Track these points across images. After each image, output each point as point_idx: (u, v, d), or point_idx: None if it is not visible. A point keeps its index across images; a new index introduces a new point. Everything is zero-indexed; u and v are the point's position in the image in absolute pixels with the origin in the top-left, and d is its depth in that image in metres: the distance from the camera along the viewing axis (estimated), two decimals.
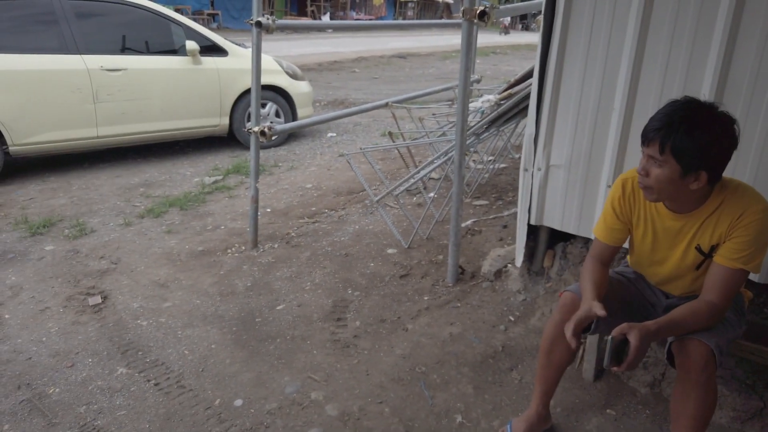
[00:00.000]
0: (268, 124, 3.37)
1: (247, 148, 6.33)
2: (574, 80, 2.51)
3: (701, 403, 1.69)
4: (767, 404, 2.08)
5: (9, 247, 3.78)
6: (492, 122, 3.53)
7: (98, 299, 3.09)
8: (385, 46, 20.72)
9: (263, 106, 6.38)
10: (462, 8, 2.66)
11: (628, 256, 2.09)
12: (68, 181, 5.29)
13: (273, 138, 6.22)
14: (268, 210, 4.43)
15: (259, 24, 3.18)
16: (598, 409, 2.24)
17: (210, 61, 5.96)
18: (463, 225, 3.82)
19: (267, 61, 6.47)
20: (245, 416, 2.21)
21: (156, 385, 2.41)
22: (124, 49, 5.57)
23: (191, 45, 5.74)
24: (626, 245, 2.01)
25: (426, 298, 3.01)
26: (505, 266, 3.05)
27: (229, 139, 6.40)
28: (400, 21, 24.32)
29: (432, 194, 4.05)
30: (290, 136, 6.87)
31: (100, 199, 4.78)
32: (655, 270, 1.95)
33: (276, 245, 3.70)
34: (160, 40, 5.78)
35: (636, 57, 2.33)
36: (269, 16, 3.22)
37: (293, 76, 6.61)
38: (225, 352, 2.61)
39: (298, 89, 6.59)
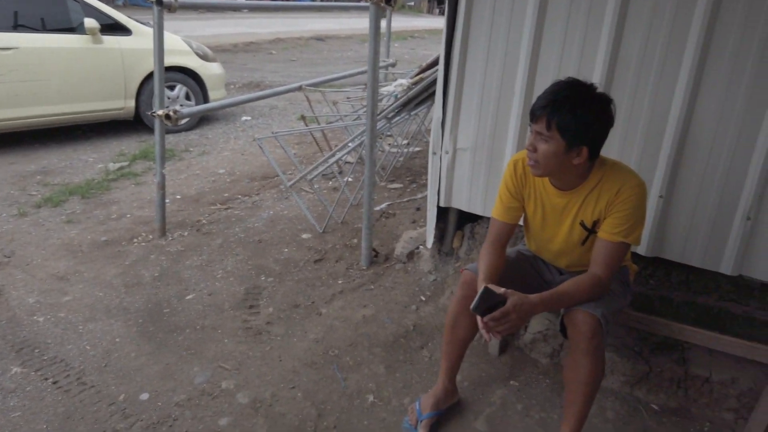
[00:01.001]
0: (173, 107, 3.23)
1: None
2: (477, 65, 2.57)
3: (591, 369, 1.80)
4: (653, 368, 2.25)
5: None
6: (403, 106, 3.56)
7: None
8: (303, 27, 20.33)
9: (172, 88, 6.13)
10: None
11: (525, 237, 2.19)
12: None
13: (182, 122, 6.00)
14: (178, 197, 4.27)
15: (159, 2, 3.04)
16: (502, 381, 2.35)
17: (112, 41, 5.63)
18: (377, 208, 3.85)
19: (175, 41, 6.21)
20: (152, 410, 2.15)
21: (54, 383, 2.29)
22: (16, 26, 5.16)
23: (90, 23, 5.40)
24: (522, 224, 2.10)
25: (340, 281, 3.02)
26: (417, 248, 3.12)
27: (135, 123, 6.11)
28: (314, 2, 23.87)
29: (347, 178, 4.05)
30: (202, 120, 6.64)
31: None
32: (547, 246, 2.06)
33: (186, 233, 3.59)
34: (55, 16, 5.40)
35: (534, 42, 2.41)
36: None
37: (204, 57, 6.37)
38: (130, 346, 2.52)
39: (209, 71, 6.37)
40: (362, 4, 3.29)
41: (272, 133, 3.53)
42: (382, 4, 2.65)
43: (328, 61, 13.18)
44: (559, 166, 1.78)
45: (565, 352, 2.43)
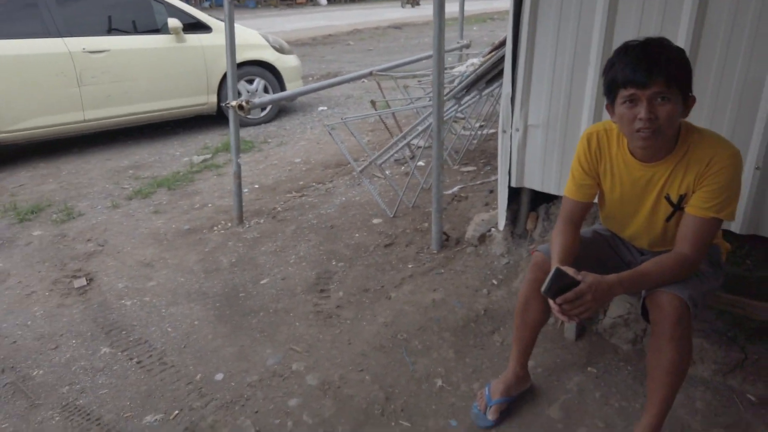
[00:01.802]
0: (245, 98, 3.31)
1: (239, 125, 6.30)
2: (548, 36, 2.44)
3: (676, 356, 1.66)
4: (748, 356, 2.06)
5: None
6: (472, 85, 3.46)
7: (83, 281, 3.09)
8: (380, 17, 20.41)
9: (251, 82, 6.31)
10: None
11: (600, 216, 2.05)
12: (58, 166, 5.27)
13: (261, 115, 6.16)
14: (256, 186, 4.40)
15: None
16: (579, 367, 2.23)
17: (194, 38, 5.88)
18: (449, 192, 3.78)
19: (253, 36, 6.39)
20: (226, 389, 2.22)
21: (138, 363, 2.41)
22: (106, 30, 5.50)
23: (173, 22, 5.66)
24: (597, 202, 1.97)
25: (410, 265, 2.99)
26: (489, 230, 3.02)
27: (218, 117, 6.34)
28: None
29: (417, 162, 4.00)
30: (281, 112, 6.80)
31: (89, 183, 4.77)
32: (627, 224, 1.92)
33: (262, 220, 3.68)
34: (142, 19, 5.70)
35: (610, 7, 2.25)
36: None
37: (280, 50, 6.51)
38: (208, 328, 2.61)
39: (286, 63, 6.51)
40: None
41: (342, 119, 3.53)
42: None
43: (405, 49, 13.11)
44: (676, 128, 1.64)
45: (649, 338, 2.27)
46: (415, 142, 4.29)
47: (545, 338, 2.39)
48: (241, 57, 6.16)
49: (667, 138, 1.65)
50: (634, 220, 1.88)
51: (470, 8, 17.09)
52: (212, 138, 5.95)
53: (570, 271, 1.62)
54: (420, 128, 3.51)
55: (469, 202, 3.61)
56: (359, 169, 3.44)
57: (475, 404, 2.05)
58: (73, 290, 3.02)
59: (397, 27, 17.94)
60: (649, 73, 1.54)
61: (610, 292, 1.62)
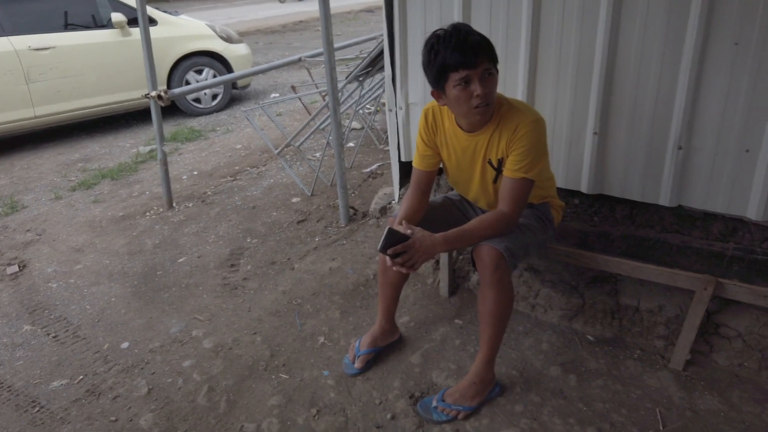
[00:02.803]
0: (163, 88, 3.49)
1: (189, 115, 6.48)
2: (416, 21, 2.63)
3: (497, 300, 1.89)
4: (586, 301, 2.30)
5: None
6: (368, 67, 3.65)
7: (15, 268, 3.29)
8: (355, 1, 20.40)
9: (200, 72, 6.47)
10: None
11: (449, 182, 2.27)
12: (11, 162, 5.44)
13: (212, 104, 6.26)
14: (195, 173, 4.60)
15: None
16: (447, 320, 2.46)
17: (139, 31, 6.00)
18: (367, 169, 3.99)
19: (199, 26, 6.54)
20: (129, 356, 2.44)
21: (54, 337, 2.63)
22: (51, 28, 5.62)
23: (117, 17, 5.80)
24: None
25: (317, 239, 3.21)
26: (390, 203, 3.24)
27: (172, 108, 6.50)
28: None
29: (348, 143, 4.20)
30: (233, 101, 6.97)
31: (39, 177, 4.95)
32: (468, 188, 2.14)
33: (191, 204, 3.89)
34: (86, 15, 5.83)
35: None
36: None
37: (228, 39, 6.66)
38: (122, 304, 2.83)
39: (235, 52, 6.66)
40: None
41: (259, 104, 3.73)
42: None
43: (373, 32, 13.21)
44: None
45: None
46: (346, 123, 4.50)
47: (423, 295, 2.63)
48: (188, 48, 6.33)
49: (493, 106, 1.88)
50: (472, 185, 2.11)
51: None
52: (164, 129, 6.11)
53: (401, 228, 1.84)
54: (327, 112, 3.70)
55: (383, 179, 3.84)
56: (276, 151, 3.64)
57: (347, 356, 2.29)
58: (6, 276, 3.23)
59: (370, 11, 17.96)
60: (475, 54, 1.75)
61: (435, 247, 1.84)
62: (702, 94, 2.07)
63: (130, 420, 2.09)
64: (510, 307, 1.94)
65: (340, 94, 3.84)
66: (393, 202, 3.22)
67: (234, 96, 7.06)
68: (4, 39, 5.36)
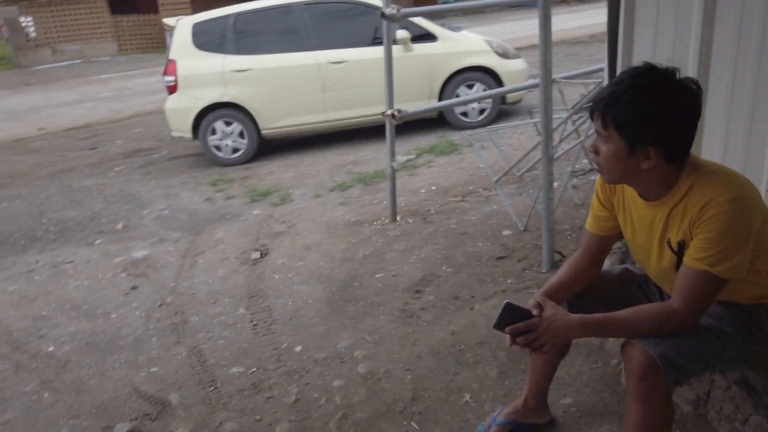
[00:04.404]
0: (398, 108, 3.65)
1: (457, 128, 6.64)
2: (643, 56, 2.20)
3: (641, 419, 1.48)
4: None
5: (230, 210, 4.87)
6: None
7: (258, 255, 3.84)
8: None
9: (471, 86, 6.57)
10: None
11: None
12: (302, 159, 6.36)
13: (479, 118, 6.36)
14: (433, 188, 4.70)
15: (382, 15, 3.48)
16: (619, 417, 2.01)
17: (420, 48, 6.39)
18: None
19: (476, 41, 6.65)
20: (297, 360, 2.63)
21: (255, 325, 2.99)
22: (346, 44, 6.36)
23: (401, 34, 6.24)
24: None
25: (510, 281, 2.96)
26: None
27: (439, 120, 6.77)
28: None
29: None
30: (502, 115, 6.89)
31: (315, 174, 5.68)
32: (646, 266, 1.72)
33: (411, 220, 3.98)
34: (375, 32, 6.43)
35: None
36: (395, 6, 3.50)
37: (504, 55, 6.61)
38: (315, 307, 3.06)
39: (508, 68, 6.57)
40: None
41: (486, 129, 3.60)
42: None
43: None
44: (626, 172, 1.50)
45: (712, 403, 1.92)
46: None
47: (600, 378, 2.21)
48: (462, 63, 6.49)
49: (617, 178, 1.54)
50: (650, 263, 1.68)
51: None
52: (428, 140, 6.41)
53: (533, 301, 1.58)
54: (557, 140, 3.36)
55: None
56: (495, 178, 3.47)
57: (482, 423, 2.06)
58: (249, 261, 3.78)
59: None
60: (595, 105, 1.44)
61: (567, 331, 1.54)
62: None
63: (270, 424, 2.25)
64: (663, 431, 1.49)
65: (564, 126, 3.48)
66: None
67: (503, 111, 6.98)
68: (310, 53, 6.25)
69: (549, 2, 2.53)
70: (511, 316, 1.55)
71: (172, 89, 6.23)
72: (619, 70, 2.32)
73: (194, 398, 2.46)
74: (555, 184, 3.90)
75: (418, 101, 6.49)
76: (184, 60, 6.20)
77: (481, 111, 6.64)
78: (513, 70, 6.61)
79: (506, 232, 3.52)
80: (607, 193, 1.71)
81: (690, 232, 1.45)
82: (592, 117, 1.51)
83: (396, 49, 6.25)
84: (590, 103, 1.55)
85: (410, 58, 6.36)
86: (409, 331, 2.72)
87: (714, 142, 2.08)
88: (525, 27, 16.30)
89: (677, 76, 1.42)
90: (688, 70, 2.08)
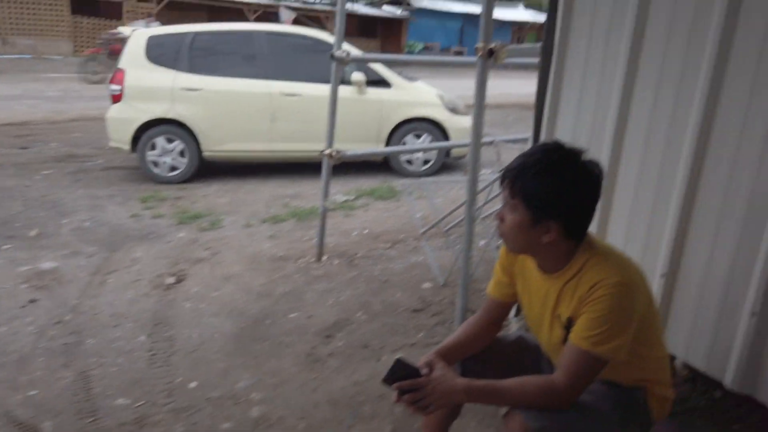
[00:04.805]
0: (336, 148, 3.64)
1: (400, 175, 6.70)
2: (566, 131, 2.27)
3: None
4: None
5: (155, 229, 4.69)
6: None
7: (173, 280, 3.69)
8: None
9: (419, 136, 6.67)
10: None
11: None
12: (241, 185, 6.25)
13: (424, 167, 6.40)
14: (366, 231, 4.68)
15: (332, 57, 3.51)
16: None
17: (374, 92, 6.47)
18: None
19: (428, 94, 6.80)
20: (188, 397, 2.50)
21: (152, 355, 2.84)
22: (302, 77, 6.37)
23: (357, 76, 6.32)
24: None
25: (421, 334, 2.94)
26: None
27: (385, 165, 6.83)
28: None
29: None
30: (445, 167, 7.01)
31: (251, 203, 5.57)
32: (539, 337, 1.73)
33: (337, 262, 3.94)
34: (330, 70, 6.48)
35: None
36: (346, 51, 3.53)
37: (453, 110, 6.77)
38: (220, 342, 2.94)
39: (456, 124, 6.71)
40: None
41: (417, 180, 3.63)
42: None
43: None
44: (528, 243, 1.53)
45: None
46: None
47: None
48: (412, 113, 6.60)
49: (519, 248, 1.56)
50: (542, 335, 1.69)
51: None
52: (371, 183, 6.43)
53: (427, 360, 1.56)
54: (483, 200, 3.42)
55: None
56: (421, 230, 3.49)
57: None
58: (163, 285, 3.63)
59: None
60: (506, 173, 1.47)
61: (452, 395, 1.51)
62: None
63: None
64: None
65: (492, 187, 3.56)
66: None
67: (447, 164, 7.12)
68: (264, 82, 6.23)
69: (486, 68, 2.60)
70: (401, 373, 1.52)
71: (116, 98, 6.07)
72: (542, 139, 2.39)
73: (68, 429, 2.29)
74: (481, 243, 3.97)
75: (366, 143, 6.55)
76: (134, 71, 6.06)
77: (426, 161, 6.74)
78: (460, 126, 6.76)
79: (426, 285, 3.52)
80: (509, 260, 1.73)
81: (578, 309, 1.47)
82: (502, 184, 1.53)
83: (350, 91, 6.38)
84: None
85: (363, 101, 6.43)
86: (311, 376, 2.64)
87: (619, 225, 2.16)
88: (504, 85, 16.87)
89: (582, 158, 1.47)
90: (603, 148, 2.16)
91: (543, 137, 2.38)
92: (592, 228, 2.10)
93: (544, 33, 2.47)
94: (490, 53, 2.53)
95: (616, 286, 1.41)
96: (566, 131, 2.32)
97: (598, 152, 2.17)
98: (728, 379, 1.79)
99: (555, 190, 1.43)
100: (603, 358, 1.43)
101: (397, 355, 1.56)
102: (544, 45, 2.45)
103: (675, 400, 1.68)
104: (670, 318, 1.98)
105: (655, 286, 1.99)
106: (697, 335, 1.88)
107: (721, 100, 1.78)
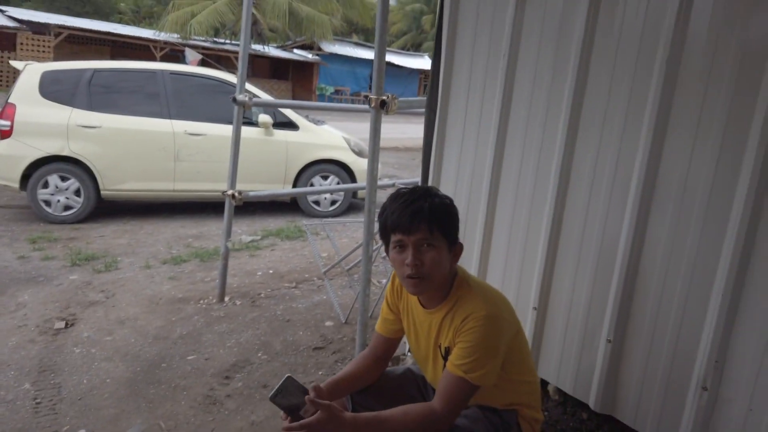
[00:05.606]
0: (238, 189, 3.68)
1: (308, 215, 6.77)
2: (449, 178, 2.47)
3: None
4: None
5: (45, 272, 4.46)
6: None
7: (62, 324, 3.52)
8: None
9: (326, 178, 6.81)
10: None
11: None
12: (142, 226, 6.07)
13: (331, 208, 6.49)
14: (271, 271, 4.69)
15: (234, 100, 3.59)
16: None
17: (281, 134, 6.57)
18: None
19: (335, 137, 6.98)
20: None
21: (37, 404, 2.70)
22: (207, 118, 6.35)
23: (264, 118, 6.40)
24: None
25: (321, 372, 3.00)
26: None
27: (292, 206, 6.88)
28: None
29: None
30: (353, 208, 7.17)
31: (152, 243, 5.42)
32: (425, 368, 1.86)
33: (239, 303, 3.92)
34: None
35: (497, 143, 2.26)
36: (249, 94, 3.62)
37: (359, 153, 6.99)
38: (112, 387, 2.84)
39: (362, 166, 6.92)
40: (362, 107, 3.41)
41: (321, 221, 3.74)
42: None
43: None
44: (443, 276, 1.65)
45: None
46: None
47: None
48: (319, 155, 6.75)
49: (437, 285, 1.65)
50: (428, 367, 1.82)
51: None
52: (277, 223, 6.46)
53: (317, 386, 1.62)
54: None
55: None
56: (323, 270, 3.57)
57: None
58: (51, 330, 3.46)
59: None
60: (413, 220, 1.58)
61: (339, 429, 1.57)
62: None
63: None
64: None
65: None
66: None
67: (354, 204, 7.28)
68: (167, 121, 6.16)
69: (379, 117, 2.79)
70: (287, 391, 1.57)
71: (5, 134, 5.78)
72: (430, 183, 2.58)
73: None
74: (383, 281, 4.11)
75: (273, 184, 6.60)
76: (26, 106, 5.82)
77: (333, 202, 6.87)
78: (365, 168, 6.97)
79: (328, 323, 3.59)
80: (395, 298, 1.86)
81: (454, 340, 1.62)
82: (407, 232, 1.59)
83: (257, 132, 6.45)
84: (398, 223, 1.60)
85: (270, 143, 6.50)
86: (208, 419, 2.61)
87: (497, 262, 2.36)
88: (389, 130, 17.39)
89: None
90: (482, 194, 2.37)
91: (431, 180, 2.57)
92: (475, 264, 2.30)
93: (429, 89, 2.71)
94: (382, 104, 2.73)
95: (484, 318, 1.57)
96: (450, 179, 2.53)
97: (478, 197, 2.39)
98: (592, 400, 1.99)
99: (454, 212, 1.66)
100: (474, 383, 1.57)
101: (287, 374, 1.60)
102: (428, 99, 2.68)
103: (546, 422, 1.86)
104: (542, 346, 2.18)
105: (529, 317, 2.20)
106: (565, 361, 2.09)
107: (575, 154, 2.04)
